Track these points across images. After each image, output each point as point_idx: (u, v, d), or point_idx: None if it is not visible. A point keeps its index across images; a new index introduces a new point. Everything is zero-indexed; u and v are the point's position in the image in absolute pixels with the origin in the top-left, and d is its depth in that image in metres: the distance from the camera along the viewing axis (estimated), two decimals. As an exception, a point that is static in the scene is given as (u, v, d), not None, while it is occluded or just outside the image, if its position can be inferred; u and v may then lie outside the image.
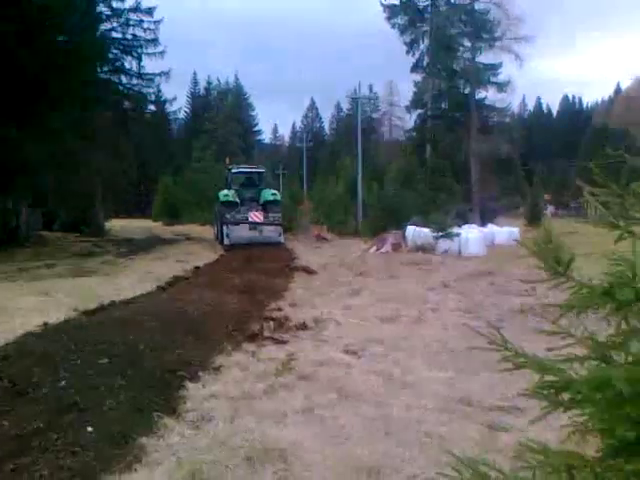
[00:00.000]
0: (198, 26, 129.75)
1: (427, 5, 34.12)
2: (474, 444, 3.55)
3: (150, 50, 30.28)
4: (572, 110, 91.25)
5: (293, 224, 27.78)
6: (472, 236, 18.12)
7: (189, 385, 4.75)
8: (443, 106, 35.27)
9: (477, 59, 32.89)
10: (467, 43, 33.18)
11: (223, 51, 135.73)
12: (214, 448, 3.51)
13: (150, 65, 30.94)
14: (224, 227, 21.11)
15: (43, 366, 4.66)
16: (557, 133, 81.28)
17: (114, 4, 28.59)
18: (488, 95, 33.51)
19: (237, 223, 21.21)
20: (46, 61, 16.42)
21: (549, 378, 1.37)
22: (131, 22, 29.59)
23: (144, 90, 31.37)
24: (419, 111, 36.27)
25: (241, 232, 21.08)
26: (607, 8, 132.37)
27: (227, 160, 26.93)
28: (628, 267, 1.33)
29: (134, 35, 29.73)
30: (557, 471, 1.28)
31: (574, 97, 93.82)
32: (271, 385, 4.81)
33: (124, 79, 30.59)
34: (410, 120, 41.05)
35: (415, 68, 35.09)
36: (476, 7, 32.55)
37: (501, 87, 32.66)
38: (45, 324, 6.52)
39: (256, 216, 21.43)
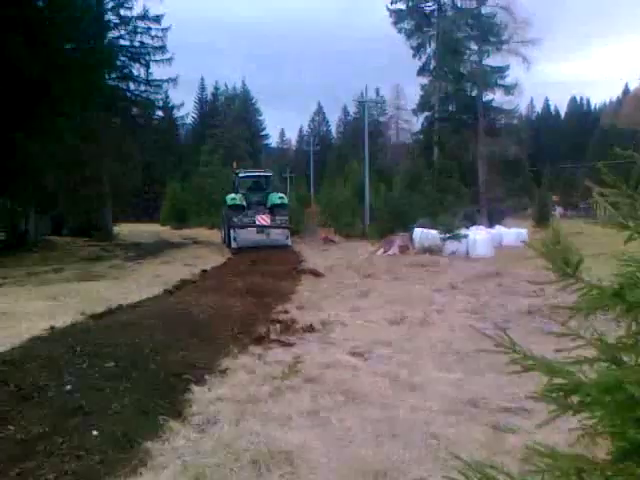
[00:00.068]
0: (206, 32, 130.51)
1: (433, 10, 34.00)
2: (481, 446, 3.51)
3: (158, 57, 30.65)
4: (580, 111, 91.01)
5: (300, 227, 27.79)
6: (480, 237, 18.06)
7: (195, 388, 4.73)
8: (450, 109, 35.15)
9: (484, 62, 32.75)
10: (474, 46, 33.03)
11: (231, 57, 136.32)
12: (220, 451, 3.49)
13: (158, 72, 31.25)
14: (231, 230, 21.18)
15: (49, 370, 4.66)
16: (565, 134, 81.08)
17: (122, 12, 28.94)
18: (495, 97, 33.39)
19: (244, 226, 21.27)
20: (47, 62, 16.49)
21: (558, 381, 1.35)
22: (139, 30, 29.95)
23: (152, 96, 31.76)
24: (426, 114, 36.16)
25: (248, 235, 21.13)
26: (612, 9, 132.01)
27: (234, 164, 27.01)
28: (638, 268, 1.31)
29: (142, 42, 30.08)
30: (566, 475, 1.25)
31: (582, 98, 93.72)
32: (277, 388, 4.79)
33: (132, 86, 30.99)
34: (417, 123, 40.99)
35: (422, 71, 35.01)
36: (483, 11, 32.40)
37: (508, 90, 32.51)
38: (52, 328, 6.54)
39: (263, 219, 21.48)
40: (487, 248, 17.51)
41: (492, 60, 32.76)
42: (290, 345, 6.43)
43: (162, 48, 30.31)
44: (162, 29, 30.27)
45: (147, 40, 30.13)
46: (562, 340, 1.43)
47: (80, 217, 29.25)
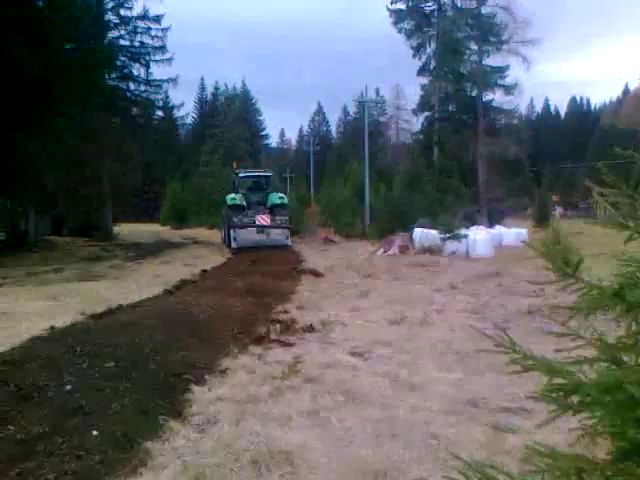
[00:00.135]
0: (206, 32, 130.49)
1: (433, 10, 34.00)
2: (481, 446, 3.51)
3: (158, 57, 30.67)
4: (580, 111, 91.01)
5: (300, 227, 27.78)
6: (480, 237, 18.06)
7: (195, 388, 4.73)
8: (450, 109, 35.14)
9: (484, 62, 32.75)
10: (474, 46, 33.02)
11: (231, 57, 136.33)
12: (220, 451, 3.49)
13: (158, 72, 31.27)
14: (231, 230, 21.18)
15: (49, 370, 4.65)
16: (565, 134, 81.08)
17: (122, 12, 28.96)
18: (495, 97, 33.38)
19: (244, 226, 21.27)
20: (47, 62, 16.49)
21: (558, 381, 1.35)
22: (139, 30, 29.97)
23: (152, 96, 31.78)
24: (426, 114, 36.15)
25: (248, 235, 21.13)
26: (612, 9, 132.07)
27: (234, 164, 27.01)
28: (638, 268, 1.31)
29: (142, 42, 30.10)
30: (566, 475, 1.25)
31: (582, 98, 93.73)
32: (277, 388, 4.79)
33: (132, 86, 31.00)
34: (417, 123, 41.00)
35: (422, 71, 35.00)
36: (483, 11, 32.39)
37: (508, 89, 32.50)
38: (52, 328, 6.54)
39: (263, 219, 21.48)
40: (487, 248, 17.51)
41: (492, 60, 32.79)
42: (290, 345, 6.43)
43: (162, 48, 30.37)
44: (162, 29, 30.34)
45: (147, 40, 30.21)
46: (562, 340, 1.43)
47: (80, 217, 29.25)
